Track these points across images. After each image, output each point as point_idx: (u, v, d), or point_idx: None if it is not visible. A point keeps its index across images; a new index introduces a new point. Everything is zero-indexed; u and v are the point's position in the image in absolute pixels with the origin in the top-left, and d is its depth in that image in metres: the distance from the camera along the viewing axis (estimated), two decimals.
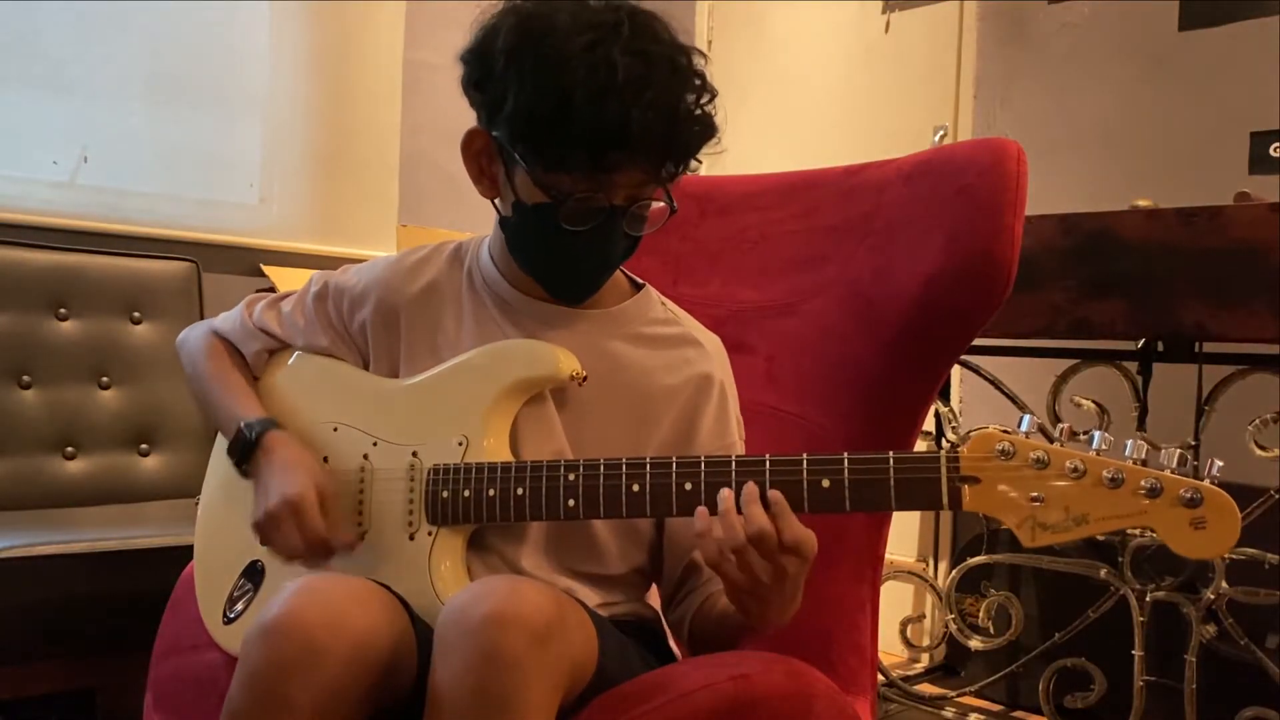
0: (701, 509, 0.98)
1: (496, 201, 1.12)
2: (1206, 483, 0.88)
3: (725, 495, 0.97)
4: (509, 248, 1.14)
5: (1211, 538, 0.87)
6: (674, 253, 1.55)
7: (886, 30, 3.14)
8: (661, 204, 1.09)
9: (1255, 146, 2.37)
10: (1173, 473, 0.89)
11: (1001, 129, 2.80)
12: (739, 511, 0.96)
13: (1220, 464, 0.89)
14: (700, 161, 1.07)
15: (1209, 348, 2.01)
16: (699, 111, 1.04)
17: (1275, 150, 2.34)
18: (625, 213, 1.06)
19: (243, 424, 1.17)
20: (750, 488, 0.97)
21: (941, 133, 2.88)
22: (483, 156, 1.10)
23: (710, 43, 3.56)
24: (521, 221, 1.09)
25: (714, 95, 1.05)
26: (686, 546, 1.15)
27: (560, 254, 1.09)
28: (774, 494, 0.97)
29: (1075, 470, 0.91)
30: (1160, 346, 2.06)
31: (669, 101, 1.00)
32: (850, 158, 1.51)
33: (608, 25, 0.99)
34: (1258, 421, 1.95)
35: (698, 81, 1.04)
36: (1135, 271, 1.92)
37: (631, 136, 0.99)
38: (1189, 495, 0.87)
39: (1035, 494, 0.92)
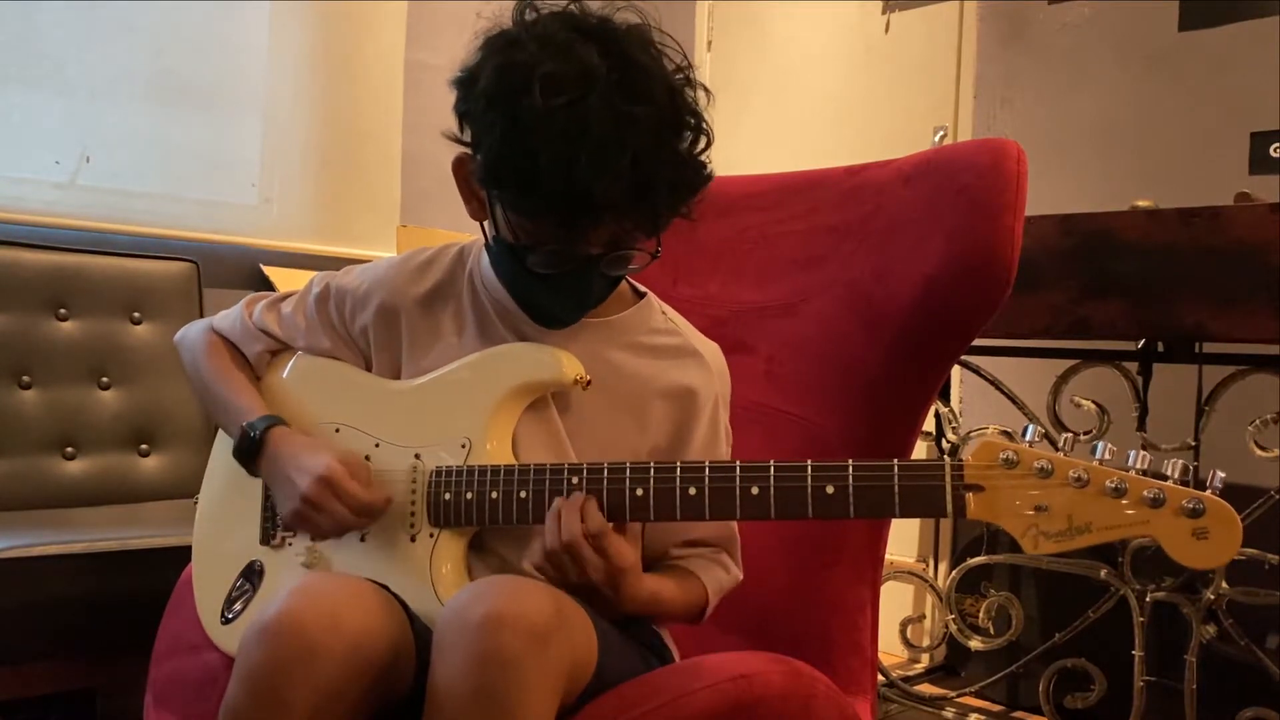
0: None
1: (485, 224, 1.12)
2: (1209, 493, 0.88)
3: (556, 504, 1.03)
4: (494, 270, 1.14)
5: (1213, 548, 0.87)
6: (674, 253, 1.54)
7: (886, 30, 3.14)
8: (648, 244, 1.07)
9: (1255, 146, 2.37)
10: (1175, 483, 0.89)
11: (1001, 129, 2.80)
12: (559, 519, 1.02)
13: (1223, 475, 0.89)
14: (687, 214, 1.05)
15: (1209, 348, 2.01)
16: (680, 168, 1.01)
17: (1275, 150, 2.34)
18: (602, 259, 1.04)
19: (246, 424, 1.17)
20: (574, 498, 1.03)
21: (941, 133, 2.88)
22: (472, 179, 1.08)
23: (710, 43, 3.57)
24: (499, 253, 1.09)
25: (710, 142, 1.03)
26: (660, 545, 1.16)
27: (534, 291, 1.09)
28: (588, 501, 1.03)
29: (1078, 480, 0.91)
30: (1160, 347, 2.06)
31: (644, 167, 0.97)
32: (850, 158, 1.51)
33: (592, 79, 0.95)
34: (1258, 422, 1.95)
35: (691, 121, 1.01)
36: (1135, 271, 1.92)
37: (599, 204, 0.97)
38: (1191, 506, 0.88)
39: (1038, 503, 0.92)
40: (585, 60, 0.96)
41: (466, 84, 1.03)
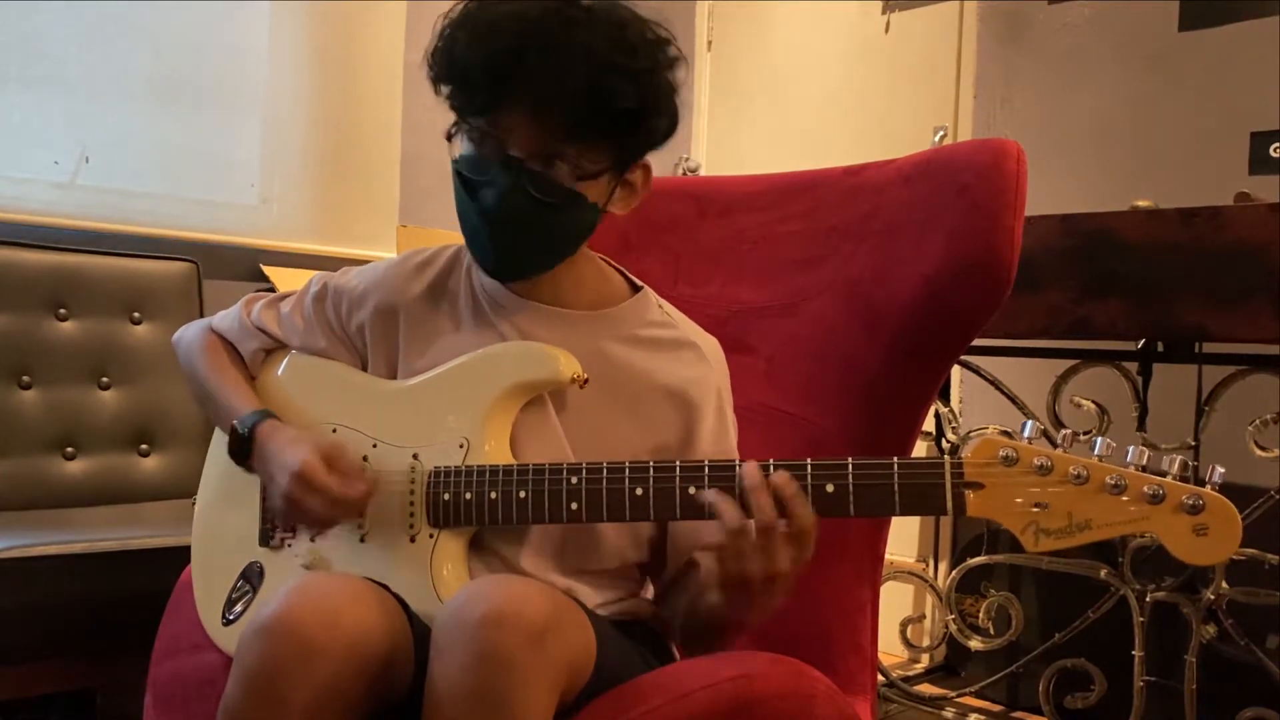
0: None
1: None
2: (1208, 489, 0.88)
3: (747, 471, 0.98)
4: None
5: (1213, 544, 0.88)
6: (674, 253, 1.55)
7: (886, 30, 3.14)
8: (599, 179, 1.06)
9: (1255, 146, 2.37)
10: (1175, 479, 0.89)
11: (1001, 129, 2.80)
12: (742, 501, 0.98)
13: (1222, 470, 0.89)
14: (622, 138, 1.05)
15: (1209, 348, 2.01)
16: (611, 76, 1.00)
17: (1275, 150, 2.34)
18: (524, 169, 1.03)
19: (236, 421, 1.17)
20: (753, 472, 0.97)
21: (941, 133, 2.88)
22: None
23: (710, 43, 3.56)
24: (456, 193, 1.09)
25: (656, 77, 1.04)
26: (688, 547, 1.15)
27: (473, 217, 1.08)
28: (780, 477, 0.96)
29: (1078, 476, 0.91)
30: (1160, 346, 2.06)
31: (565, 47, 0.99)
32: (850, 158, 1.51)
33: (537, 2, 1.01)
34: (1258, 422, 1.95)
35: (639, 50, 1.02)
36: (1135, 271, 1.92)
37: (505, 75, 1.00)
38: (1191, 502, 0.88)
39: (1038, 500, 0.92)
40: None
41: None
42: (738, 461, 1.01)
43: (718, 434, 1.16)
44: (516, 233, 1.08)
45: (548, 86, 1.00)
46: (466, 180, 1.06)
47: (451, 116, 1.09)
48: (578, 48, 0.99)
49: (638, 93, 1.02)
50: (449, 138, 1.08)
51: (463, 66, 1.02)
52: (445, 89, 1.05)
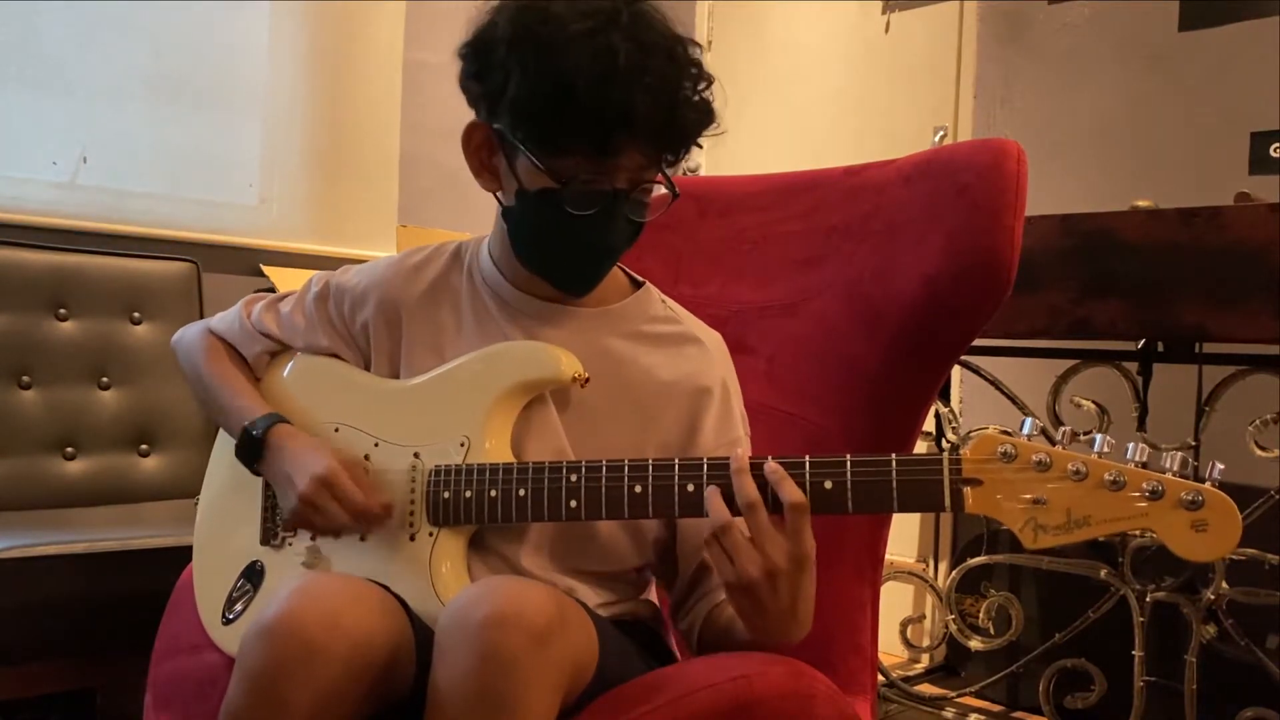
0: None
1: (499, 194, 1.12)
2: (1208, 485, 0.88)
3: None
4: (512, 241, 1.14)
5: (1213, 540, 0.87)
6: (674, 253, 1.55)
7: (886, 30, 3.14)
8: (662, 191, 1.09)
9: (1255, 146, 2.37)
10: (1174, 475, 0.89)
11: (1001, 129, 2.80)
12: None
13: (1221, 467, 0.89)
14: (701, 146, 1.08)
15: (1209, 348, 2.01)
16: (697, 98, 1.05)
17: (1275, 150, 2.34)
18: (628, 197, 1.06)
19: (247, 423, 1.17)
20: (740, 456, 0.98)
21: (941, 133, 2.88)
22: (483, 149, 1.10)
23: (710, 43, 3.56)
24: (525, 210, 1.09)
25: (710, 82, 1.07)
26: (697, 548, 1.15)
27: (564, 241, 1.08)
28: (770, 465, 0.98)
29: (1077, 473, 0.91)
30: (1160, 347, 2.06)
31: (668, 86, 1.01)
32: (850, 158, 1.51)
33: (605, 14, 1.00)
34: (1258, 422, 1.95)
35: (694, 69, 1.05)
36: (1135, 271, 1.92)
37: (633, 120, 0.99)
38: (1190, 498, 0.87)
39: (1037, 496, 0.92)
40: (595, 1, 1.01)
41: (478, 43, 1.06)
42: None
43: (721, 429, 1.16)
44: (612, 257, 1.12)
45: (662, 127, 1.02)
46: (564, 210, 1.05)
47: (464, 119, 1.09)
48: (680, 88, 1.03)
49: (711, 110, 1.07)
50: (512, 173, 1.07)
51: (587, 108, 0.99)
52: (544, 128, 1.03)
